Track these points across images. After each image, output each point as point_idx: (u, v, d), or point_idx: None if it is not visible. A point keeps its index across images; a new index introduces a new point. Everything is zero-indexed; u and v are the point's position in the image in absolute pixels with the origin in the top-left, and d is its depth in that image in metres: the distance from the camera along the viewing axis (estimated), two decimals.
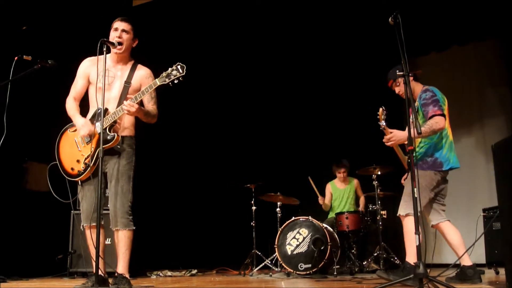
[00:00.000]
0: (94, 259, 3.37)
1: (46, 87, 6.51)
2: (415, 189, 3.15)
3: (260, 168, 7.97)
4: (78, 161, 3.90)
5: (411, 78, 4.35)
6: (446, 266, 4.41)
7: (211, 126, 8.75)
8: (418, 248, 3.01)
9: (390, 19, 3.45)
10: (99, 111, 3.76)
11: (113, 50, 3.91)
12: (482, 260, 5.78)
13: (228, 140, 8.63)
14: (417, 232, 3.05)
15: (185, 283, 5.09)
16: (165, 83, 3.71)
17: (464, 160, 7.51)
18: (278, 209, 6.59)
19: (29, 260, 6.21)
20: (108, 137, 3.78)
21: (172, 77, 3.69)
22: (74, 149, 3.94)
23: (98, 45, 3.66)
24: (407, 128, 4.21)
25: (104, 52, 3.78)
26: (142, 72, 4.04)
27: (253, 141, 8.51)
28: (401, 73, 3.46)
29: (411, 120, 3.46)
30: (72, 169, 3.93)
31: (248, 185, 6.87)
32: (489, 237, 5.62)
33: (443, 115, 4.05)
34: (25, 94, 4.96)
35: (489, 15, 6.54)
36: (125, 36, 3.93)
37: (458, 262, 4.18)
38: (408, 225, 4.10)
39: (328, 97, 8.29)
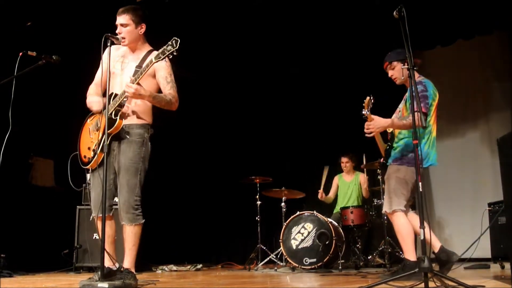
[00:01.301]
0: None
1: (51, 82, 6.53)
2: (419, 183, 3.12)
3: (265, 162, 7.95)
4: (89, 148, 3.85)
5: (407, 65, 4.29)
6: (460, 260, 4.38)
7: (217, 121, 8.74)
8: (423, 242, 3.00)
9: (395, 13, 3.42)
10: (112, 95, 3.70)
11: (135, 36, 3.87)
12: (488, 254, 5.77)
13: (233, 135, 8.61)
14: (422, 226, 3.04)
15: (190, 277, 5.11)
16: (160, 59, 3.62)
17: (469, 154, 7.52)
18: (283, 204, 6.59)
19: (35, 255, 6.24)
20: (114, 122, 3.67)
21: (167, 53, 3.61)
22: (87, 137, 3.89)
23: (102, 40, 3.66)
24: (393, 116, 4.18)
25: (109, 47, 3.78)
26: (158, 63, 3.79)
27: (258, 136, 8.50)
28: (406, 66, 3.44)
29: (416, 115, 3.42)
30: (84, 156, 3.87)
31: (253, 177, 6.87)
32: (495, 232, 5.61)
33: (425, 113, 3.94)
34: (30, 90, 4.97)
35: (495, 8, 6.50)
36: (124, 29, 3.86)
37: (470, 256, 4.10)
38: (397, 221, 4.02)
39: (333, 91, 8.27)
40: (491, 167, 7.09)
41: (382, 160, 4.45)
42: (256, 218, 6.79)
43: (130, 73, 3.79)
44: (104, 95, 3.73)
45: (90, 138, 3.85)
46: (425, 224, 3.06)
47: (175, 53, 3.63)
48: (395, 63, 4.30)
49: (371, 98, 4.05)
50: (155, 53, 3.75)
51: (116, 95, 3.70)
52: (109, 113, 3.60)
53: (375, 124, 3.99)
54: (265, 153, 8.32)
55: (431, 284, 2.87)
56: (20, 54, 4.17)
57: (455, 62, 7.82)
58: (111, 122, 3.61)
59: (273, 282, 4.46)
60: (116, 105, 3.65)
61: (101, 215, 3.52)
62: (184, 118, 8.61)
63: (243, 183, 7.09)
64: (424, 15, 6.55)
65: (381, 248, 6.13)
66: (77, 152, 3.90)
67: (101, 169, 3.60)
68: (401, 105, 4.30)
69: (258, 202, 6.84)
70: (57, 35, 6.67)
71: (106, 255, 3.47)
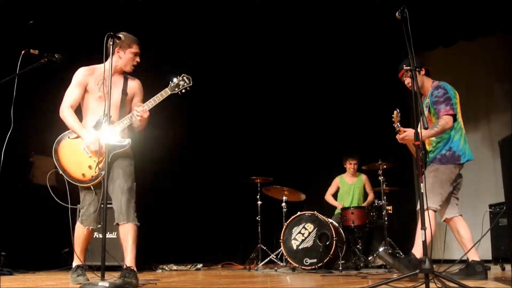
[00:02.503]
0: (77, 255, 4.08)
1: (52, 81, 6.53)
2: (421, 184, 3.13)
3: (266, 163, 7.96)
4: (89, 166, 3.93)
5: (422, 72, 4.36)
6: (453, 262, 4.40)
7: (218, 122, 8.74)
8: (424, 243, 3.00)
9: (397, 14, 3.42)
10: (103, 119, 3.78)
11: (114, 62, 3.96)
12: (488, 256, 5.77)
13: (234, 136, 8.62)
14: (423, 227, 3.04)
15: (190, 277, 5.11)
16: (175, 92, 4.01)
17: None
18: (283, 204, 6.59)
19: (35, 253, 6.24)
20: (124, 143, 3.92)
21: (181, 87, 4.05)
22: (82, 156, 3.94)
23: (105, 39, 3.67)
24: (418, 125, 4.22)
25: (111, 47, 3.79)
26: (134, 83, 4.19)
27: (259, 136, 8.50)
28: (408, 67, 3.44)
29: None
30: (83, 175, 3.94)
31: (254, 177, 6.87)
32: (495, 233, 5.61)
33: (453, 115, 4.09)
34: (32, 88, 4.98)
35: (497, 10, 6.50)
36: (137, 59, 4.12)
37: (465, 258, 4.17)
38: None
39: (334, 93, 8.27)
40: (492, 168, 7.09)
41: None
42: (257, 218, 6.80)
43: (117, 97, 4.01)
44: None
45: (89, 157, 3.93)
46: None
47: (188, 89, 4.08)
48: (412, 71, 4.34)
49: (399, 111, 4.12)
50: (136, 80, 4.20)
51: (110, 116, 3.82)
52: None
53: (408, 137, 4.08)
54: (266, 153, 8.32)
55: (432, 285, 2.87)
56: (23, 52, 4.17)
57: (456, 63, 7.83)
58: (123, 143, 3.93)
59: (273, 282, 4.45)
60: (124, 128, 3.94)
61: (92, 227, 4.05)
62: (186, 119, 8.63)
63: (244, 183, 7.08)
64: (426, 16, 6.55)
65: (381, 249, 6.13)
66: (59, 170, 3.98)
67: (100, 184, 3.82)
68: (426, 113, 4.34)
69: (259, 202, 6.84)
70: (59, 34, 6.68)
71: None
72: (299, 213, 6.06)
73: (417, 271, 2.95)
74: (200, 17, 7.33)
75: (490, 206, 5.83)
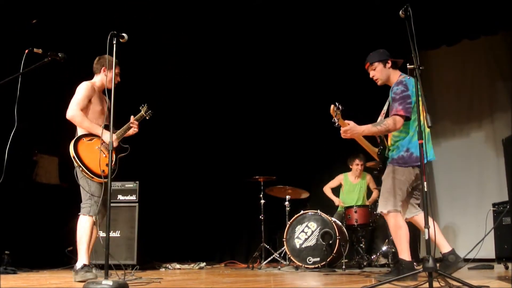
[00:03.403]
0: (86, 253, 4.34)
1: (56, 80, 6.54)
2: (425, 183, 3.12)
3: (269, 161, 7.96)
4: (107, 164, 4.24)
5: (388, 65, 4.29)
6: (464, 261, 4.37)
7: (221, 121, 8.75)
8: (428, 242, 2.99)
9: (401, 12, 3.42)
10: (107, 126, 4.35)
11: (101, 79, 4.67)
12: (492, 255, 5.76)
13: (236, 134, 8.62)
14: (426, 226, 3.03)
15: (193, 275, 5.11)
16: (140, 120, 4.82)
17: (474, 154, 7.50)
18: (286, 203, 6.59)
19: (39, 252, 6.26)
20: (125, 147, 4.67)
21: (147, 114, 4.95)
22: (99, 155, 4.39)
23: (108, 37, 3.68)
24: (379, 118, 4.16)
25: (114, 45, 3.80)
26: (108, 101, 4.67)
27: (262, 135, 8.50)
28: (412, 66, 3.42)
29: (422, 115, 3.42)
30: (103, 171, 4.30)
31: (257, 176, 6.87)
32: (499, 232, 5.59)
33: (404, 116, 3.94)
34: (35, 87, 5.00)
35: (500, 9, 6.48)
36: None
37: (474, 257, 4.12)
38: (392, 221, 4.02)
39: (337, 91, 8.25)
40: (496, 167, 7.07)
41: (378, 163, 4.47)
42: (260, 217, 6.80)
43: (106, 110, 4.69)
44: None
45: (105, 157, 4.39)
46: (434, 223, 3.05)
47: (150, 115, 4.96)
48: (376, 63, 4.29)
49: (337, 105, 4.04)
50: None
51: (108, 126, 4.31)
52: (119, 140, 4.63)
53: (351, 130, 4.01)
54: (269, 152, 8.32)
55: (435, 284, 2.87)
56: (26, 51, 4.18)
57: (460, 62, 7.81)
58: (125, 148, 4.69)
59: (276, 281, 4.45)
60: (123, 136, 4.65)
61: (96, 215, 4.38)
62: (189, 118, 8.64)
63: (247, 182, 7.08)
64: (429, 14, 6.54)
65: (384, 248, 6.12)
66: (85, 168, 4.37)
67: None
68: (385, 107, 4.29)
69: (262, 201, 6.85)
70: (63, 33, 6.69)
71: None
72: (302, 212, 6.06)
73: (421, 270, 2.94)
74: (200, 17, 7.34)
75: (494, 205, 5.80)
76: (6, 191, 4.43)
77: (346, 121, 4.06)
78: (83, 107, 4.50)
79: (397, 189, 4.04)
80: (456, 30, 7.23)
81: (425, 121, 3.21)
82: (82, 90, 4.53)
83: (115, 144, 4.54)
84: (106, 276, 3.28)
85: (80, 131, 4.52)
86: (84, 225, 4.40)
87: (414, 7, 3.41)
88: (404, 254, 3.97)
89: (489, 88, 7.64)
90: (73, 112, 4.45)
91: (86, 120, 4.48)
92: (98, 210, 4.41)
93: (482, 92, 7.68)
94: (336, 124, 4.03)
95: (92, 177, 4.38)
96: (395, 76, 4.26)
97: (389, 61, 4.27)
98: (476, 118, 7.66)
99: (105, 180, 4.23)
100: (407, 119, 3.97)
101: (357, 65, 7.86)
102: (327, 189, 7.24)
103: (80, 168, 4.36)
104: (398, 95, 4.02)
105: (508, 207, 5.28)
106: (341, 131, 4.07)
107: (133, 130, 4.72)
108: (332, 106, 4.03)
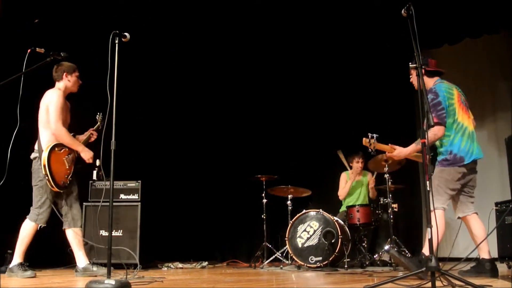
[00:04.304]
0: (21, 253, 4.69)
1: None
2: (427, 182, 3.12)
3: (271, 160, 7.95)
4: (66, 176, 4.79)
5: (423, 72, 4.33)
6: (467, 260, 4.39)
7: (222, 119, 8.74)
8: (430, 241, 2.99)
9: (403, 11, 3.42)
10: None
11: (64, 85, 4.96)
12: (494, 254, 5.73)
13: (238, 133, 8.61)
14: (429, 225, 3.03)
15: (196, 275, 5.12)
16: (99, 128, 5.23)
17: None
18: (289, 202, 6.59)
19: (41, 251, 6.26)
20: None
21: (100, 125, 5.24)
22: (64, 167, 4.79)
23: (111, 37, 3.68)
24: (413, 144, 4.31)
25: (116, 45, 3.80)
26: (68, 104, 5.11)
27: (264, 134, 8.49)
28: (414, 65, 3.43)
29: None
30: (63, 182, 4.75)
31: (259, 175, 6.86)
32: (501, 231, 5.58)
33: (438, 123, 4.10)
34: (38, 87, 5.01)
35: (502, 7, 6.47)
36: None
37: (476, 256, 4.18)
38: (435, 217, 4.10)
39: (339, 90, 8.26)
40: (498, 166, 7.06)
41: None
42: (262, 216, 6.79)
43: (69, 116, 5.00)
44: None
45: (67, 168, 4.80)
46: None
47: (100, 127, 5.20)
48: (412, 70, 4.37)
49: (369, 137, 4.48)
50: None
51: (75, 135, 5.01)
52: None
53: (398, 156, 4.46)
54: (271, 151, 8.31)
55: (438, 283, 2.87)
56: (29, 50, 4.20)
57: (462, 60, 7.80)
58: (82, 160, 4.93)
59: (278, 280, 4.46)
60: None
61: (43, 225, 4.77)
62: (190, 118, 8.64)
63: (249, 181, 7.08)
64: (432, 13, 6.53)
65: (387, 247, 6.11)
66: (50, 175, 4.66)
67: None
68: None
69: (264, 200, 6.84)
70: (65, 32, 6.69)
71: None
72: (304, 211, 6.05)
73: (423, 269, 2.94)
74: (200, 17, 7.35)
75: (496, 204, 5.79)
76: (7, 190, 4.44)
77: (390, 146, 4.44)
78: (63, 120, 4.79)
79: (443, 187, 4.21)
80: (458, 28, 7.22)
81: (425, 120, 3.24)
82: (58, 101, 4.79)
83: (91, 161, 4.90)
84: (109, 275, 3.29)
85: (46, 139, 4.76)
86: (27, 229, 4.75)
87: (416, 6, 3.41)
88: (426, 250, 4.00)
89: (491, 87, 7.63)
90: (58, 128, 4.74)
91: (68, 136, 4.80)
92: (45, 219, 4.77)
93: (484, 91, 7.67)
94: (372, 152, 4.29)
95: (53, 187, 4.66)
96: (430, 83, 4.39)
97: (424, 70, 4.35)
98: (478, 117, 7.59)
99: (62, 191, 4.76)
100: (442, 123, 4.14)
101: (360, 64, 7.94)
102: (341, 191, 7.14)
103: (46, 177, 4.61)
104: (430, 103, 4.14)
105: (510, 206, 5.28)
106: (392, 156, 4.53)
107: (94, 138, 5.17)
108: (364, 139, 4.31)
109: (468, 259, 4.22)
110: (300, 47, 7.98)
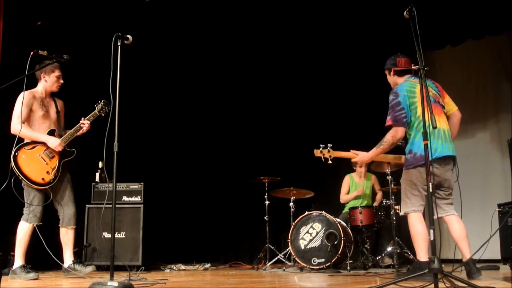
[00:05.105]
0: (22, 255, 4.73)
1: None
2: (430, 184, 3.11)
3: (273, 162, 7.94)
4: (48, 172, 4.79)
5: (391, 73, 4.35)
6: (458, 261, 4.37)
7: (225, 121, 8.74)
8: (433, 243, 2.99)
9: (405, 12, 3.42)
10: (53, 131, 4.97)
11: (43, 85, 5.00)
12: (497, 256, 5.74)
13: (241, 135, 8.61)
14: (431, 227, 3.02)
15: (198, 276, 5.12)
16: (100, 114, 4.99)
17: (479, 154, 7.47)
18: (291, 204, 6.59)
19: (44, 254, 6.26)
20: (70, 151, 4.97)
21: (102, 112, 4.98)
22: (40, 163, 4.77)
23: (113, 39, 3.69)
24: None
25: (119, 47, 3.81)
26: (61, 103, 5.20)
27: (266, 135, 8.48)
28: (417, 67, 3.42)
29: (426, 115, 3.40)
30: (43, 179, 4.75)
31: (261, 177, 6.85)
32: (504, 233, 5.57)
33: (395, 124, 4.06)
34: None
35: (505, 8, 6.47)
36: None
37: (479, 257, 4.15)
38: (409, 222, 4.08)
39: (342, 92, 8.25)
40: (501, 168, 7.05)
41: None
42: (265, 218, 6.79)
43: (53, 115, 5.03)
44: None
45: (46, 164, 4.80)
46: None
47: (107, 111, 4.91)
48: (386, 71, 4.42)
49: (321, 147, 4.62)
50: (60, 100, 5.19)
51: (54, 130, 4.97)
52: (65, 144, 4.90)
53: (361, 161, 4.43)
54: (273, 153, 8.30)
55: (441, 285, 2.87)
56: (31, 53, 4.21)
57: (464, 62, 7.79)
58: (69, 152, 4.98)
59: (281, 282, 4.46)
60: (72, 138, 4.92)
61: (37, 223, 4.79)
62: (193, 118, 8.64)
63: (251, 183, 7.08)
64: (434, 14, 6.53)
65: (390, 249, 6.11)
66: (22, 176, 4.67)
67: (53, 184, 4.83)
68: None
69: (267, 202, 6.84)
70: (67, 35, 6.71)
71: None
72: (307, 212, 6.05)
73: (426, 270, 2.94)
74: (201, 17, 7.36)
75: (499, 205, 5.78)
76: (10, 192, 4.46)
77: (352, 151, 4.36)
78: (24, 118, 4.73)
79: (410, 190, 4.09)
80: (461, 29, 7.21)
81: (430, 122, 3.21)
82: (19, 102, 4.75)
83: (59, 149, 4.85)
84: (112, 277, 3.29)
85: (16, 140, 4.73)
86: (22, 230, 4.77)
87: (418, 7, 3.41)
88: (419, 254, 3.97)
89: (494, 88, 7.62)
90: (14, 127, 4.72)
91: (28, 131, 4.76)
92: (37, 218, 4.78)
93: (487, 92, 7.66)
94: (329, 162, 4.28)
95: (31, 185, 4.69)
96: (400, 82, 4.32)
97: (392, 70, 4.35)
98: (481, 118, 7.64)
99: (46, 187, 4.77)
100: (401, 125, 4.06)
101: (362, 65, 7.92)
102: (344, 197, 7.13)
103: (20, 177, 4.63)
104: (389, 105, 4.15)
105: None
106: (357, 161, 4.47)
107: (85, 128, 4.97)
108: (315, 150, 4.32)
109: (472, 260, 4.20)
110: (304, 49, 7.98)
